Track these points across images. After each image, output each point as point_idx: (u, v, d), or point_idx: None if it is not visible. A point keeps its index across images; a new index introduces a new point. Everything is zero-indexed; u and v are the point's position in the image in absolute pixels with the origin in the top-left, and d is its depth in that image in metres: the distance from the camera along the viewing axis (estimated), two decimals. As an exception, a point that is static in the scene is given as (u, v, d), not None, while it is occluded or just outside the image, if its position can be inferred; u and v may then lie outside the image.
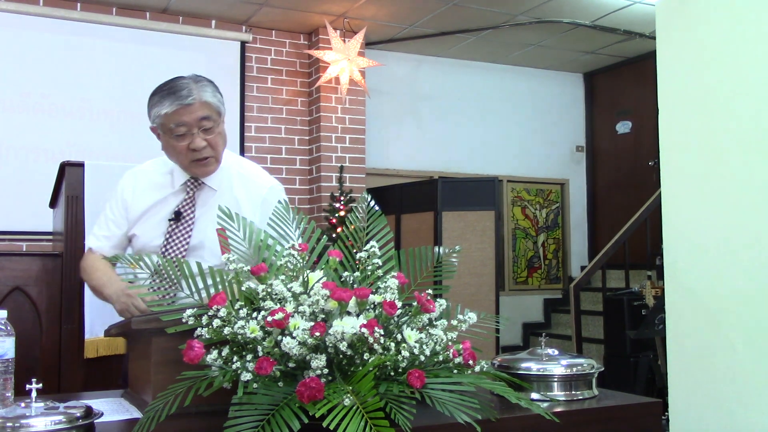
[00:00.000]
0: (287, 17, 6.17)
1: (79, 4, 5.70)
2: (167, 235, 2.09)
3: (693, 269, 1.99)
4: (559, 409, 1.51)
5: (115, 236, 2.16)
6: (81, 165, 3.00)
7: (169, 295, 1.47)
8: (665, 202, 2.09)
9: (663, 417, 1.70)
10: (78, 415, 1.23)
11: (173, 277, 1.47)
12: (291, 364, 1.26)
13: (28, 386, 1.27)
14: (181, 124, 1.98)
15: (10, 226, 5.34)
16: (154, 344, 1.45)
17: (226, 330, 1.29)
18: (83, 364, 2.95)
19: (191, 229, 2.10)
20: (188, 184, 2.13)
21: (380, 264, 1.49)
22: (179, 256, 2.06)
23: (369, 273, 1.48)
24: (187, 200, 2.12)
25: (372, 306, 1.35)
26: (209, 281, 1.47)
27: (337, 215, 5.93)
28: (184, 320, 1.33)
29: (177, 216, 2.10)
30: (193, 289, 1.46)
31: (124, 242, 2.18)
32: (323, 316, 1.31)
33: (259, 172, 2.26)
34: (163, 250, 2.08)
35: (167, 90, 2.00)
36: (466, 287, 5.46)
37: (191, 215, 2.12)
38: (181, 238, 2.09)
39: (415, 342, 1.31)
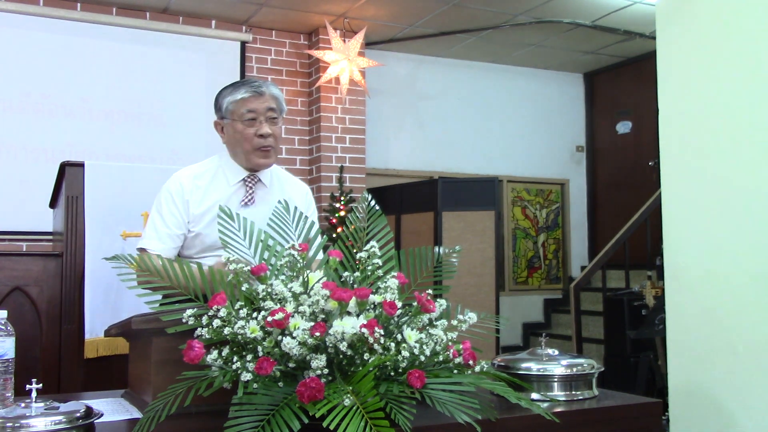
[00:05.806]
0: (287, 17, 6.16)
1: (79, 4, 5.70)
2: None
3: (693, 269, 1.99)
4: (559, 409, 1.51)
5: (177, 237, 2.17)
6: (81, 165, 3.00)
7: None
8: (665, 202, 2.10)
9: (663, 417, 1.70)
10: (78, 415, 1.23)
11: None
12: (291, 364, 1.26)
13: (28, 386, 1.27)
14: (252, 110, 2.16)
15: (10, 226, 5.33)
16: (154, 344, 1.45)
17: (226, 330, 1.29)
18: (83, 364, 2.95)
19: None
20: (247, 180, 2.23)
21: (380, 264, 1.50)
22: None
23: (369, 273, 1.48)
24: (249, 195, 2.22)
25: (372, 306, 1.35)
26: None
27: (337, 215, 5.93)
28: (184, 320, 1.33)
29: None
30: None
31: (180, 243, 2.19)
32: (323, 316, 1.31)
33: (292, 175, 2.45)
34: None
35: (240, 82, 2.23)
36: (466, 287, 5.46)
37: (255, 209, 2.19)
38: None
39: (415, 342, 1.31)
